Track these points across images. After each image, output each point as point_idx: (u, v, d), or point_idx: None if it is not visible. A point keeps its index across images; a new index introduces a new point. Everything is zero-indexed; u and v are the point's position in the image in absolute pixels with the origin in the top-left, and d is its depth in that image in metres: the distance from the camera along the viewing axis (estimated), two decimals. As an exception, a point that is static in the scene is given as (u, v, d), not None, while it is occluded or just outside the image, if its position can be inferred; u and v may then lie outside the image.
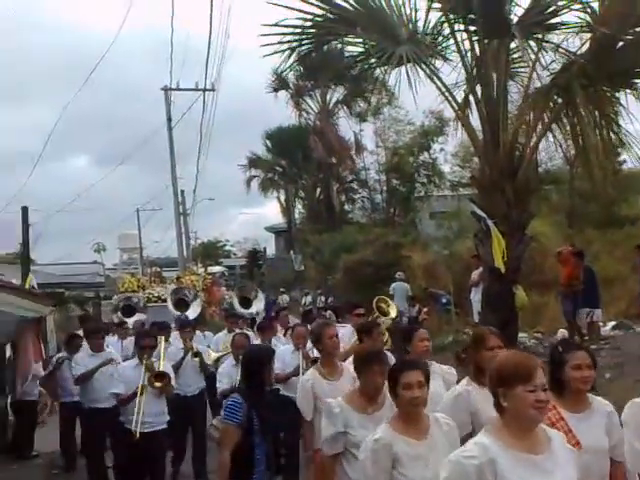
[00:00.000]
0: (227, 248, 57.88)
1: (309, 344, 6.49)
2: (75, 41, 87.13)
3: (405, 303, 16.37)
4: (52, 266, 21.95)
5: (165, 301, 14.79)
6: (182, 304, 11.51)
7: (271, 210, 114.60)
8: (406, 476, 3.25)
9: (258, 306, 14.01)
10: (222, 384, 6.69)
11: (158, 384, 6.19)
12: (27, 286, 11.78)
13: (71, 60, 77.02)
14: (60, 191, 67.54)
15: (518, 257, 8.25)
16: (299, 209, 36.26)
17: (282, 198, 35.73)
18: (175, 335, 8.45)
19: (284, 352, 6.92)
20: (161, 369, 6.33)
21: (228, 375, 6.68)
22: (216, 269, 36.70)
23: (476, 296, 11.43)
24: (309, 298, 26.31)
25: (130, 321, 11.14)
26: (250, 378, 4.41)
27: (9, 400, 9.83)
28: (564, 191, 20.94)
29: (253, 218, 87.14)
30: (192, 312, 11.27)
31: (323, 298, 25.68)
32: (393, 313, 7.82)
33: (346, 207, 32.89)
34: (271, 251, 44.86)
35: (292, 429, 6.31)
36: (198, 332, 9.26)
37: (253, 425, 4.24)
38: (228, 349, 7.53)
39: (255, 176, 35.24)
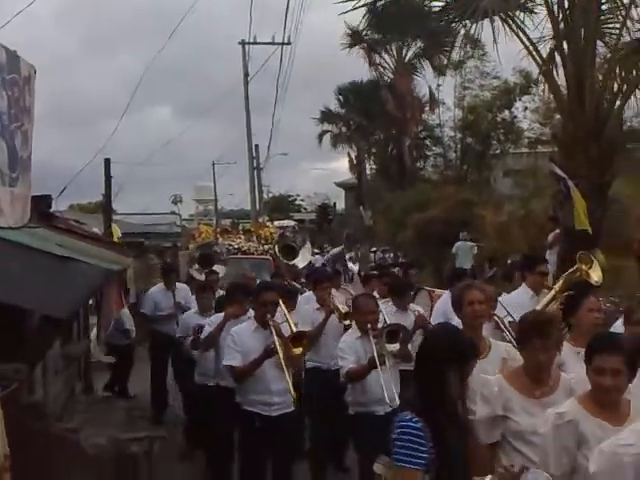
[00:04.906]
0: (298, 202, 58.43)
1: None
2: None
3: (469, 263, 16.18)
4: (132, 216, 22.75)
5: (245, 253, 14.72)
6: (290, 252, 9.12)
7: (342, 165, 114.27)
8: None
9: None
10: (347, 362, 4.89)
11: (297, 350, 4.83)
12: (115, 238, 12.18)
13: (152, 10, 78.26)
14: (140, 142, 69.36)
15: (598, 220, 8.02)
16: (370, 165, 36.06)
17: (353, 154, 35.57)
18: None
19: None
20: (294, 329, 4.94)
21: (353, 350, 4.97)
22: (285, 223, 37.12)
23: (551, 258, 11.19)
24: (378, 254, 26.36)
25: (219, 270, 9.10)
26: (433, 382, 2.76)
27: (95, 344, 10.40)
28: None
29: (324, 173, 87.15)
30: (302, 261, 9.16)
31: (391, 254, 25.68)
32: (596, 277, 5.58)
33: (418, 164, 32.40)
34: (341, 206, 44.98)
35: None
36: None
37: (444, 465, 2.71)
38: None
39: (328, 131, 35.19)
